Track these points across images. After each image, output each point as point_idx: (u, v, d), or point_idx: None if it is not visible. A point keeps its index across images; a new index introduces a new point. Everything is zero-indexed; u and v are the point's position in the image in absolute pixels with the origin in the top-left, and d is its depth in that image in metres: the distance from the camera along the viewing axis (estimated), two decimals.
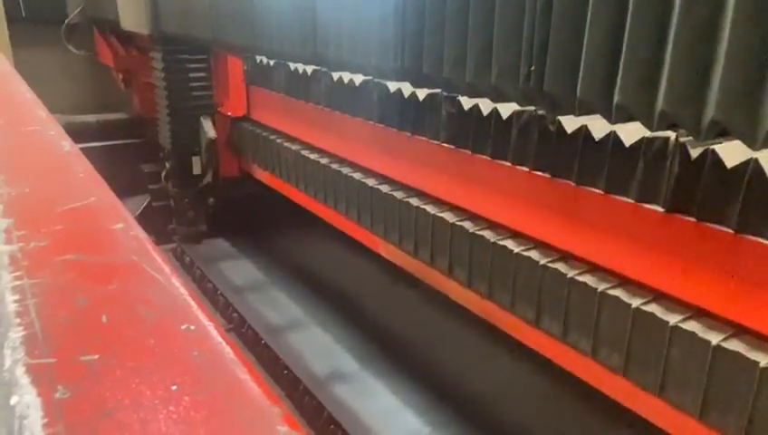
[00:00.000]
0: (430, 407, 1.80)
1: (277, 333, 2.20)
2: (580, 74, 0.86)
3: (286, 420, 0.25)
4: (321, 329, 2.22)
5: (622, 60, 0.80)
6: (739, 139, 0.71)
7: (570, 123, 1.11)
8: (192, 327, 0.32)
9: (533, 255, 1.22)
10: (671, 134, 0.94)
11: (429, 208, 1.48)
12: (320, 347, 2.11)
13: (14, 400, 0.26)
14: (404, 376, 1.93)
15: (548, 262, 1.18)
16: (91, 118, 3.59)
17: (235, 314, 2.32)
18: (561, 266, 1.16)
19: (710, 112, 0.72)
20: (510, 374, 1.92)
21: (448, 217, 1.43)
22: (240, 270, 2.70)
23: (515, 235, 1.30)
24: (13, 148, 0.69)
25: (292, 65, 2.11)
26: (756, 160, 0.84)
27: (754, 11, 0.65)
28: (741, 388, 0.87)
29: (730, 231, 0.90)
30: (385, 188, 1.65)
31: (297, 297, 2.45)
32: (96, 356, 0.29)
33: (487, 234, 1.33)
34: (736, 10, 0.66)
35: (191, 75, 2.64)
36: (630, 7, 0.78)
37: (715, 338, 0.91)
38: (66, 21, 3.54)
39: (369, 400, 1.84)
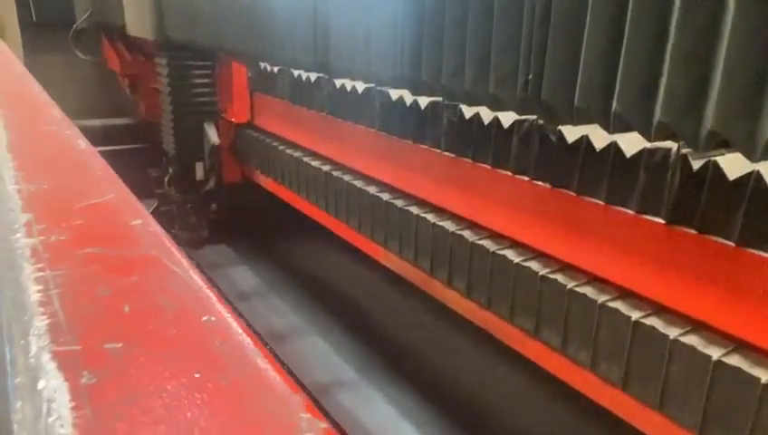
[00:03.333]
0: (431, 417, 1.79)
1: (282, 339, 2.19)
2: (578, 83, 0.86)
3: (308, 408, 0.25)
4: (325, 335, 2.22)
5: (620, 69, 0.80)
6: (738, 150, 0.71)
7: (571, 133, 1.12)
8: (213, 318, 0.33)
9: (533, 265, 1.22)
10: (673, 145, 0.95)
11: (430, 217, 1.49)
12: (324, 354, 2.11)
13: (41, 384, 0.26)
14: (406, 385, 1.92)
15: (547, 273, 1.19)
16: (96, 122, 3.61)
17: (241, 319, 2.31)
18: (560, 277, 1.17)
19: (708, 123, 0.72)
20: (510, 385, 1.91)
21: (448, 225, 1.43)
22: (244, 276, 2.71)
23: (515, 245, 1.31)
24: (31, 145, 0.70)
25: (295, 72, 2.13)
26: (758, 172, 0.85)
27: (753, 22, 0.65)
28: (742, 404, 0.87)
29: (732, 244, 0.90)
30: (386, 197, 1.66)
31: (301, 304, 2.45)
32: (120, 344, 0.30)
33: (487, 243, 1.33)
34: (735, 21, 0.67)
35: (195, 81, 2.66)
36: (628, 17, 0.78)
37: (715, 353, 0.91)
38: (74, 26, 3.57)
39: (372, 408, 1.83)
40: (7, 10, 2.64)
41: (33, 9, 3.45)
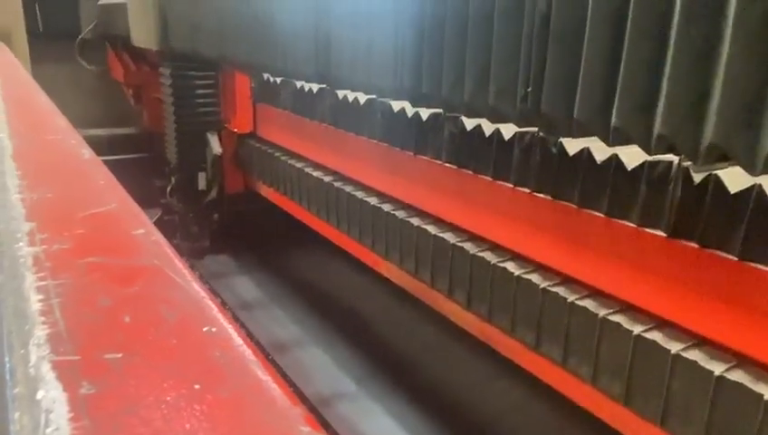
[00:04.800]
0: (432, 429, 1.78)
1: (283, 350, 2.18)
2: (578, 96, 0.86)
3: (308, 421, 0.25)
4: (326, 346, 2.20)
5: (619, 82, 0.80)
6: (738, 163, 0.71)
7: (572, 145, 1.13)
8: (213, 329, 0.33)
9: (534, 278, 1.22)
10: (674, 158, 0.95)
11: (430, 228, 1.49)
12: (325, 365, 2.09)
13: (40, 394, 0.26)
14: (407, 397, 1.91)
15: (548, 285, 1.18)
16: (101, 132, 3.63)
17: (242, 330, 2.30)
18: (561, 290, 1.16)
19: (708, 136, 0.71)
20: (511, 398, 1.89)
21: (449, 237, 1.43)
22: (246, 286, 2.70)
23: (516, 257, 1.31)
24: (35, 154, 0.70)
25: (298, 83, 2.14)
26: (760, 186, 0.85)
27: (753, 34, 0.66)
28: (744, 420, 0.86)
29: (734, 258, 0.90)
30: (386, 208, 1.66)
31: (302, 314, 2.44)
32: (120, 355, 0.30)
33: (488, 255, 1.33)
34: (735, 33, 0.67)
35: (199, 91, 2.68)
36: (628, 29, 0.78)
37: (717, 368, 0.90)
38: (79, 37, 3.61)
39: (373, 419, 1.81)
40: (15, 20, 2.67)
41: (39, 19, 3.50)
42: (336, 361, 2.11)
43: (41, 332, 0.32)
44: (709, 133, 0.71)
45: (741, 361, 0.92)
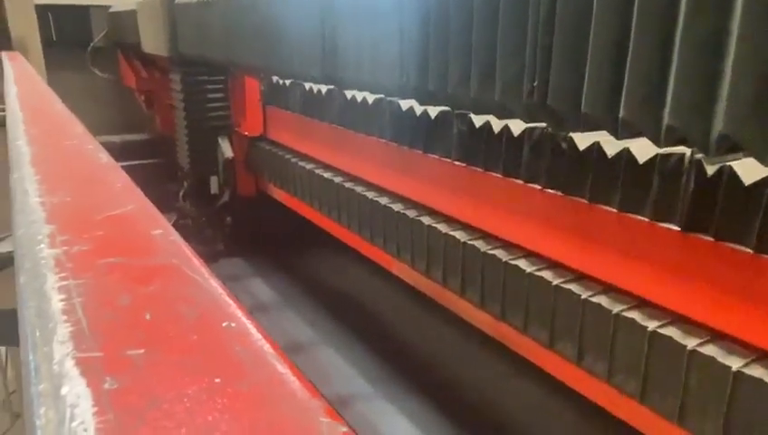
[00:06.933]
0: (450, 430, 1.77)
1: (299, 351, 2.19)
2: (584, 89, 0.85)
3: (327, 412, 0.26)
4: (340, 347, 2.21)
5: (626, 73, 0.79)
6: (749, 153, 0.70)
7: (582, 140, 1.12)
8: (233, 325, 0.34)
9: (546, 275, 1.21)
10: (687, 150, 0.94)
11: (441, 227, 1.49)
12: (342, 365, 2.10)
13: (64, 390, 0.27)
14: (423, 397, 1.91)
15: (561, 282, 1.18)
16: (115, 138, 3.69)
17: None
18: (574, 287, 1.16)
19: (718, 126, 0.70)
20: (529, 397, 1.88)
21: (460, 235, 1.43)
22: (260, 288, 2.72)
23: (528, 254, 1.30)
24: (54, 159, 0.72)
25: (306, 85, 2.16)
26: None
27: (762, 20, 0.65)
28: (764, 417, 0.85)
29: (749, 250, 0.89)
30: (397, 207, 1.66)
31: (316, 315, 2.45)
32: (141, 351, 0.31)
33: (500, 253, 1.33)
34: (743, 20, 0.66)
35: (209, 96, 2.71)
36: (634, 19, 0.77)
37: (735, 363, 0.89)
38: (91, 45, 3.67)
39: (389, 420, 1.81)
40: (31, 30, 2.73)
41: (53, 29, 3.56)
42: (352, 361, 2.11)
43: (64, 329, 0.33)
44: (719, 123, 0.70)
45: (759, 356, 0.90)
